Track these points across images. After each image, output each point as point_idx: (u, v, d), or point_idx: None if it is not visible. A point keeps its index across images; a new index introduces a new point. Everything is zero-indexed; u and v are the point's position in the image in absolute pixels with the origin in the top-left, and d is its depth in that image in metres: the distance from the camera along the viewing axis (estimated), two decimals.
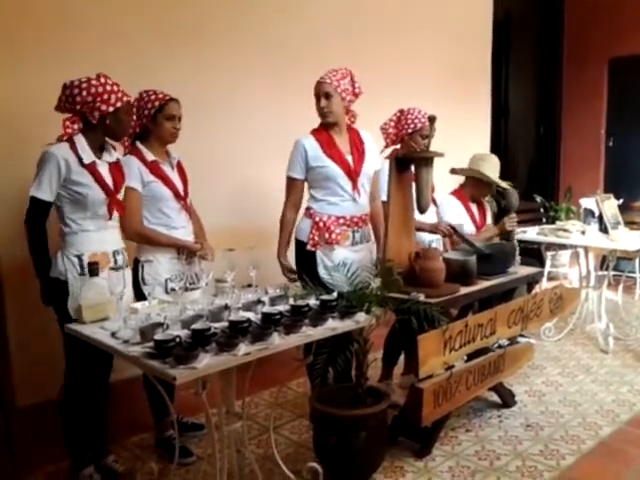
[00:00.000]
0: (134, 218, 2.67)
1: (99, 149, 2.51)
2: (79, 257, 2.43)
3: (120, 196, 2.55)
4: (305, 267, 2.91)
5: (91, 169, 2.43)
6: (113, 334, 2.05)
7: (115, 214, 2.54)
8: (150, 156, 2.73)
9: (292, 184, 2.99)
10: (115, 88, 2.43)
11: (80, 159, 2.40)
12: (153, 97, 2.72)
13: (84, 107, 2.40)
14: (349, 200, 2.96)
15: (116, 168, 2.55)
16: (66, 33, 3.07)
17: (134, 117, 2.75)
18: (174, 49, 3.48)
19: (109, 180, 2.49)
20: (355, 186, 2.96)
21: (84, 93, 2.38)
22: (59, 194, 2.41)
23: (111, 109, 2.41)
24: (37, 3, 3.00)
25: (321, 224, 2.92)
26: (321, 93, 2.91)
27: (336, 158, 2.92)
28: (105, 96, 2.39)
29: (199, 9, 3.62)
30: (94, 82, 2.39)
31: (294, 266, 3.00)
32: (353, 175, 2.95)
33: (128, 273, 2.55)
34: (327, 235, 2.92)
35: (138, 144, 2.76)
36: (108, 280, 2.25)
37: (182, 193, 2.80)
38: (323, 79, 2.92)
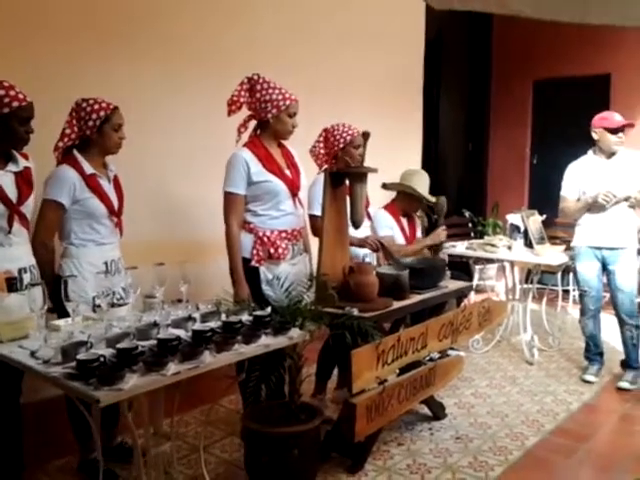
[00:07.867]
0: (48, 231, 2.55)
1: (2, 158, 2.32)
2: None
3: (24, 208, 2.35)
4: (248, 284, 2.83)
5: None
6: (32, 353, 1.93)
7: (23, 229, 2.37)
8: (89, 168, 2.59)
9: (234, 200, 2.84)
10: (2, 92, 2.20)
11: None
12: (97, 107, 2.57)
13: None
14: (290, 214, 2.93)
15: (22, 179, 2.35)
16: None
17: (75, 128, 2.59)
18: (108, 57, 3.39)
19: (12, 191, 2.30)
20: (296, 200, 2.95)
21: None
22: None
23: None
24: None
25: (265, 239, 2.85)
26: (296, 112, 2.90)
27: (277, 173, 2.88)
28: None
29: (134, 16, 3.54)
30: None
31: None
32: (295, 189, 2.94)
33: (39, 291, 2.42)
34: (272, 250, 2.85)
35: (76, 154, 2.60)
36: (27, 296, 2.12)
37: (117, 210, 2.69)
38: (296, 97, 2.90)
